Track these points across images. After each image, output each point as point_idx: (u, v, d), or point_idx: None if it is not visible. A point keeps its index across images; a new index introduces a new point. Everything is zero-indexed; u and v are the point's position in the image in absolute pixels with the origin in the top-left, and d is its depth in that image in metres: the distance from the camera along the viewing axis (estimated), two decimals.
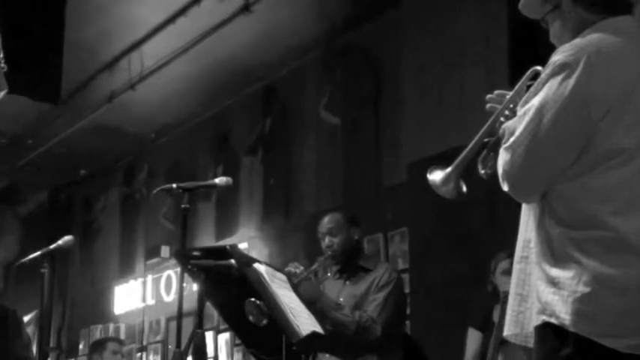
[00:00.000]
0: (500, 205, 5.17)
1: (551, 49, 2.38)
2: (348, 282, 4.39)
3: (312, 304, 3.93)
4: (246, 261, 3.55)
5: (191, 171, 9.35)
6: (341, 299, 4.31)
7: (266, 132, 8.54)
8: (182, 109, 9.24)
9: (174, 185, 3.61)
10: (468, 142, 2.53)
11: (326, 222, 4.44)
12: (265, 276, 3.47)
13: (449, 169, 2.54)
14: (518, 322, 2.37)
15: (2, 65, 3.75)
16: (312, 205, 7.79)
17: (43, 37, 6.43)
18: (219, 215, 9.06)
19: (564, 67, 2.24)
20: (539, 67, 2.45)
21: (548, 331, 2.22)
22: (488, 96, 2.59)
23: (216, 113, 9.18)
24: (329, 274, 4.51)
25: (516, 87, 2.53)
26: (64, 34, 6.57)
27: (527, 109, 2.28)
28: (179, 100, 8.98)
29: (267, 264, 3.66)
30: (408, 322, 5.87)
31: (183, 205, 3.54)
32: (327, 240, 4.40)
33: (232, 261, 3.48)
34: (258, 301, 3.46)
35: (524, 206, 2.43)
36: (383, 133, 7.23)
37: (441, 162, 2.57)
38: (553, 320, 2.20)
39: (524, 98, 2.36)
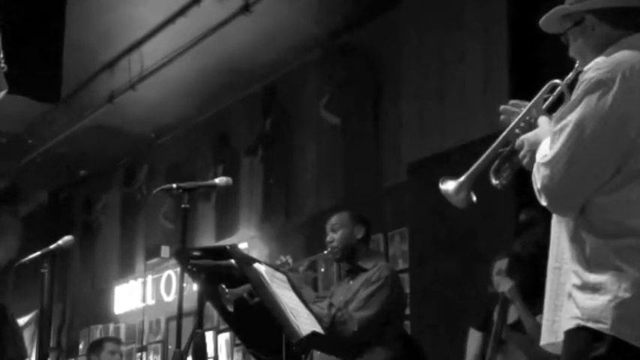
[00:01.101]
0: (500, 205, 5.17)
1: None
2: (351, 282, 4.46)
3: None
4: (246, 261, 3.55)
5: (191, 171, 9.34)
6: (341, 298, 4.35)
7: (266, 132, 8.53)
8: (182, 109, 9.24)
9: (174, 185, 3.61)
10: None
11: (332, 219, 4.51)
12: (265, 276, 3.48)
13: (461, 179, 2.56)
14: (552, 331, 2.40)
15: (2, 65, 3.74)
16: (312, 205, 7.79)
17: (43, 37, 6.42)
18: (219, 215, 9.05)
19: (600, 85, 2.27)
20: (557, 80, 2.49)
21: (580, 334, 2.26)
22: (502, 107, 2.60)
23: (216, 113, 9.18)
24: (323, 269, 4.56)
25: (534, 99, 2.55)
26: (64, 34, 6.57)
27: (563, 125, 2.30)
28: (179, 100, 8.98)
29: (267, 264, 3.67)
30: (407, 322, 5.88)
31: (183, 205, 3.54)
32: (329, 236, 4.46)
33: (232, 261, 3.49)
34: (227, 289, 3.48)
35: (554, 219, 2.45)
36: (383, 132, 7.23)
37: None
38: (590, 324, 2.23)
39: (558, 114, 2.37)
